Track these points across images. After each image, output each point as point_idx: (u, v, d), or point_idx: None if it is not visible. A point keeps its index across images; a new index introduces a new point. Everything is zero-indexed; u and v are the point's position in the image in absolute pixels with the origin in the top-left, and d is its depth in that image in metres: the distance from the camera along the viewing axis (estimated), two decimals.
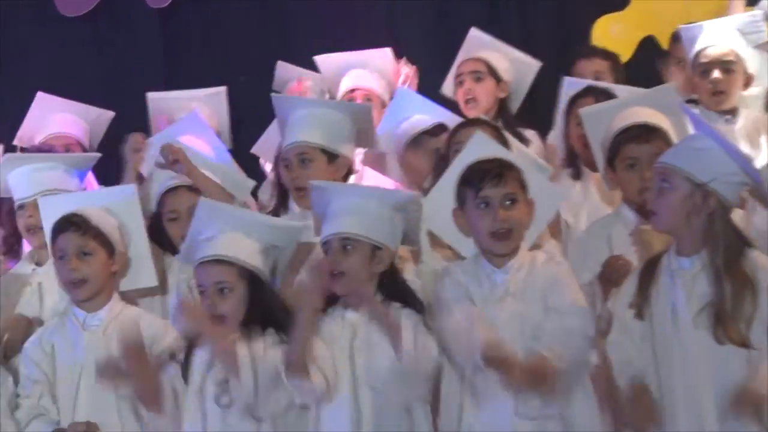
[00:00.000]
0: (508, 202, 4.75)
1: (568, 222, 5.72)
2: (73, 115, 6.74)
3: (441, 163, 5.51)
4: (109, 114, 6.82)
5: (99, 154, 5.87)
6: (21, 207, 5.56)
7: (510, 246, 4.76)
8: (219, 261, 4.79)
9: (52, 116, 6.72)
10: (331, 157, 5.42)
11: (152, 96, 6.88)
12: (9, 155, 5.75)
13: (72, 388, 4.99)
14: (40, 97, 6.75)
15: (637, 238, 4.99)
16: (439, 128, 6.02)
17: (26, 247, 5.87)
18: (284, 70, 7.03)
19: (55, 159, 5.72)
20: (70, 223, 5.04)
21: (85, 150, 6.61)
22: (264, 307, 4.80)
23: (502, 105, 6.57)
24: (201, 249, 4.84)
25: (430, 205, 4.98)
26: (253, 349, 4.70)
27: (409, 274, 5.05)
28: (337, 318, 4.80)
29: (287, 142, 5.46)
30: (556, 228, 5.49)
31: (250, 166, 6.45)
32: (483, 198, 4.75)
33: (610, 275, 4.97)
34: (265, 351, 4.70)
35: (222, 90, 6.88)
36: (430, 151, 5.98)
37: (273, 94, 5.72)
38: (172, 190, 5.55)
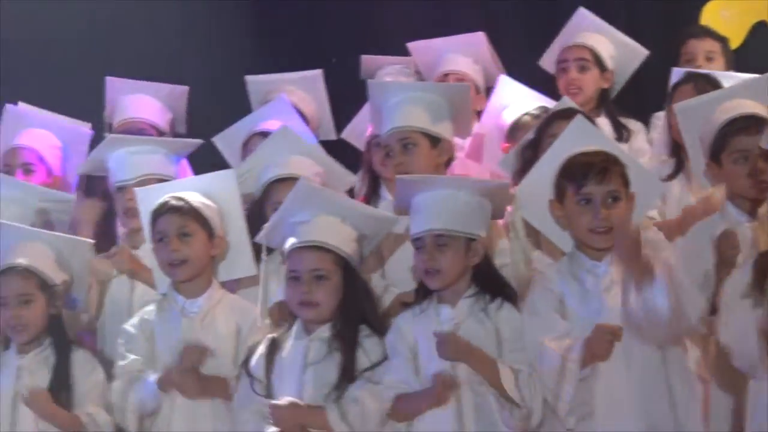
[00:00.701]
0: (610, 200, 4.64)
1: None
2: (144, 96, 6.68)
3: (528, 150, 5.42)
4: (183, 88, 6.77)
5: (200, 141, 5.83)
6: (120, 189, 5.55)
7: (609, 242, 4.63)
8: (317, 247, 4.73)
9: (124, 99, 6.67)
10: (434, 141, 5.34)
11: (250, 79, 6.81)
12: (111, 136, 5.73)
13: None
14: (110, 81, 6.72)
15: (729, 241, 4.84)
16: (542, 111, 5.88)
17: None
18: (370, 61, 6.92)
19: (156, 143, 5.73)
20: (170, 206, 5.03)
21: (160, 132, 6.58)
22: (357, 298, 4.76)
23: (603, 94, 6.43)
24: (295, 233, 4.78)
25: (524, 194, 4.88)
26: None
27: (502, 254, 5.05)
28: (431, 314, 4.71)
29: (387, 128, 5.38)
30: None
31: None
32: (584, 195, 4.64)
33: (724, 251, 4.83)
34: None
35: (317, 73, 6.81)
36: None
37: (369, 80, 5.60)
38: (281, 181, 5.40)
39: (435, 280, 4.67)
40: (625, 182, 4.67)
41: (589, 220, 4.62)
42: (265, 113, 6.19)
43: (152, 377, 4.91)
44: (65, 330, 5.10)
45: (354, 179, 5.71)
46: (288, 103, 6.18)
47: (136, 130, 6.45)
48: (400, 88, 5.52)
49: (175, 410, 4.92)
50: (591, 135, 4.85)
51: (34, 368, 5.00)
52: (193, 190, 5.12)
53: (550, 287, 4.68)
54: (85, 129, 6.41)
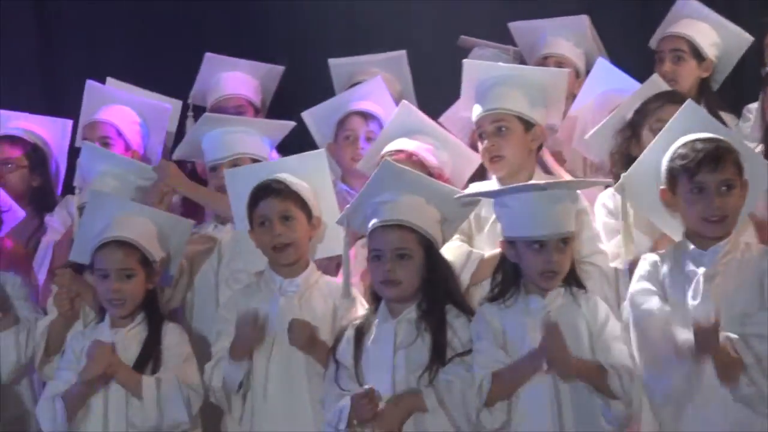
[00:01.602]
0: (724, 188, 4.55)
1: None
2: (242, 74, 6.66)
3: (627, 131, 5.32)
4: (278, 69, 6.73)
5: (293, 123, 5.80)
6: (213, 169, 5.54)
7: (722, 231, 4.58)
8: (400, 226, 4.71)
9: (222, 76, 6.64)
10: (528, 125, 5.25)
11: (333, 62, 6.77)
12: (206, 115, 5.71)
13: (266, 351, 4.95)
14: (208, 57, 6.69)
15: None
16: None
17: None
18: (468, 43, 6.84)
19: (249, 123, 5.72)
20: (271, 189, 5.01)
21: (256, 109, 6.56)
22: (441, 278, 4.73)
23: (702, 84, 6.29)
24: (378, 212, 4.76)
25: (632, 181, 4.77)
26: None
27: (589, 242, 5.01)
28: (520, 305, 4.65)
29: (481, 109, 5.29)
30: None
31: None
32: (698, 183, 4.55)
33: None
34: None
35: (402, 54, 6.74)
36: None
37: (465, 60, 5.52)
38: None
39: (553, 281, 4.62)
40: (739, 170, 4.57)
41: (702, 208, 4.54)
42: (359, 93, 6.13)
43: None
44: (159, 306, 5.10)
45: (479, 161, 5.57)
46: (382, 83, 6.12)
47: (234, 106, 6.45)
48: (497, 69, 5.43)
49: (269, 381, 4.92)
50: (704, 121, 4.74)
51: (128, 344, 4.99)
52: (284, 171, 5.09)
53: (654, 274, 4.63)
54: (165, 105, 6.39)
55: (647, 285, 4.62)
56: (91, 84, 6.29)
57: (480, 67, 5.46)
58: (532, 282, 4.63)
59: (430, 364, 4.62)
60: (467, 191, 5.03)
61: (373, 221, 4.75)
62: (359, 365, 4.73)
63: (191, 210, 5.83)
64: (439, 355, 4.63)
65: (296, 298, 4.96)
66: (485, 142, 5.24)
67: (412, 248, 4.69)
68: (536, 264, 4.59)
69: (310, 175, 5.10)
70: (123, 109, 6.25)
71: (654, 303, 4.57)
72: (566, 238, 4.61)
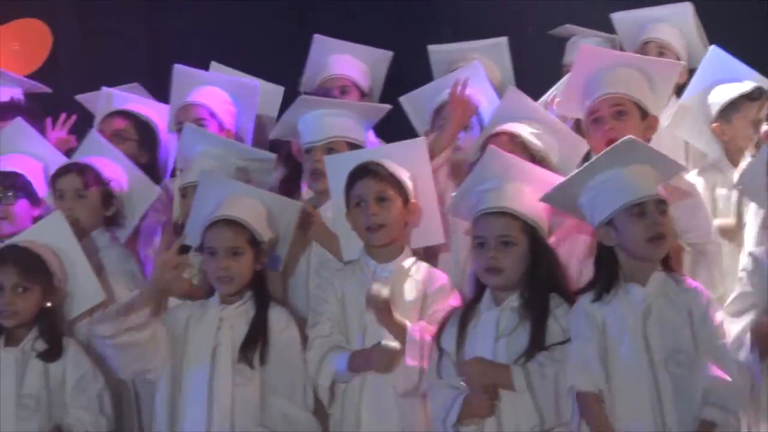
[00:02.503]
0: None
1: None
2: (350, 56, 6.67)
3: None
4: (387, 54, 6.72)
5: (388, 106, 5.78)
6: (309, 151, 5.52)
7: None
8: (504, 213, 4.71)
9: (329, 58, 6.66)
10: (643, 114, 5.24)
11: (433, 48, 6.75)
12: (302, 97, 5.70)
13: (359, 336, 4.98)
14: (317, 39, 6.72)
15: None
16: (758, 92, 5.73)
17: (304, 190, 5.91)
18: (567, 30, 6.83)
19: (346, 106, 5.68)
20: (368, 170, 5.04)
21: (362, 92, 6.57)
22: (545, 266, 4.71)
23: None
24: (483, 199, 4.76)
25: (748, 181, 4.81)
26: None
27: None
28: (620, 295, 4.60)
29: (599, 92, 5.28)
30: None
31: None
32: None
33: None
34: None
35: (503, 41, 6.71)
36: (749, 116, 5.69)
37: (583, 43, 5.51)
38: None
39: (661, 247, 4.56)
40: None
41: None
42: (454, 79, 6.02)
43: (345, 356, 4.94)
44: (266, 286, 5.12)
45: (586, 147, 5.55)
46: (482, 70, 6.09)
47: (339, 86, 6.47)
48: (618, 55, 5.44)
49: (365, 388, 4.94)
50: None
51: (234, 321, 5.03)
52: (384, 158, 5.10)
53: None
54: (253, 82, 6.39)
55: None
56: (178, 68, 6.31)
57: (599, 53, 5.46)
58: (638, 257, 4.57)
59: (529, 351, 4.61)
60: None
61: (478, 208, 4.76)
62: (461, 352, 4.73)
63: (288, 194, 5.83)
64: (538, 343, 4.62)
65: (389, 283, 4.94)
66: (604, 125, 5.23)
67: (516, 236, 4.68)
68: (641, 232, 4.55)
69: (409, 162, 5.11)
70: (213, 89, 6.27)
71: None
72: (662, 204, 4.56)
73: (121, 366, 5.06)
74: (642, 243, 4.56)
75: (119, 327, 4.91)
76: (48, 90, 6.79)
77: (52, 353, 5.03)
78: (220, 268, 5.00)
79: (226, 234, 5.01)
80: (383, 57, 6.73)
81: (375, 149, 5.37)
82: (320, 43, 6.71)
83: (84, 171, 5.56)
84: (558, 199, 4.71)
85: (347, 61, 6.65)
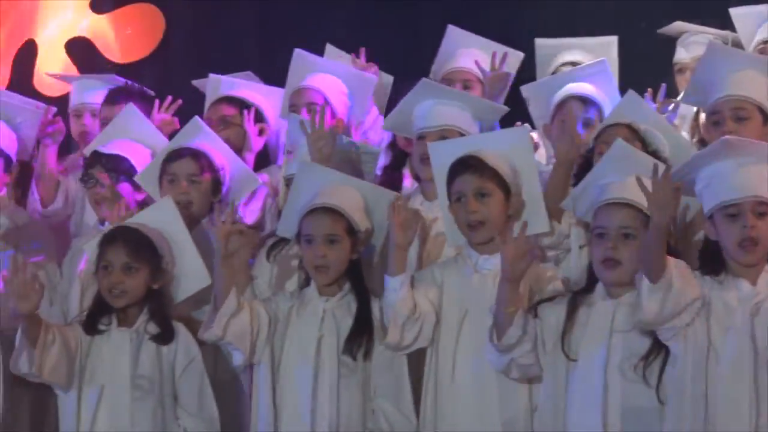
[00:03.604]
0: None
1: None
2: (478, 51, 6.59)
3: None
4: (519, 54, 6.62)
5: (507, 108, 5.75)
6: (421, 138, 5.51)
7: None
8: (626, 205, 4.66)
9: (458, 50, 6.62)
10: (765, 119, 5.18)
11: (540, 42, 6.71)
12: (423, 81, 5.66)
13: (455, 326, 4.95)
14: (450, 30, 6.69)
15: None
16: None
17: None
18: (677, 28, 6.72)
19: (464, 98, 5.63)
20: (467, 165, 4.99)
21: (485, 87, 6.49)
22: None
23: None
24: (604, 192, 4.72)
25: None
26: None
27: None
28: (729, 286, 4.54)
29: (721, 93, 5.22)
30: None
31: None
32: None
33: None
34: None
35: (612, 39, 6.62)
36: None
37: (710, 42, 5.45)
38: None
39: (752, 254, 4.49)
40: None
41: None
42: (581, 75, 6.06)
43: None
44: (363, 277, 5.13)
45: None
46: (608, 67, 6.06)
47: (462, 80, 6.43)
48: (744, 57, 5.36)
49: (458, 359, 4.93)
50: None
51: (338, 312, 5.05)
52: (487, 146, 5.06)
53: None
54: (370, 76, 6.41)
55: None
56: (298, 52, 6.34)
57: (727, 52, 5.40)
58: (732, 260, 4.51)
59: (648, 354, 4.59)
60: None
61: (600, 199, 4.73)
62: (568, 337, 4.71)
63: (389, 182, 5.88)
64: (659, 346, 4.58)
65: (491, 276, 4.91)
66: (723, 127, 5.16)
67: (637, 228, 4.63)
68: (732, 234, 4.48)
69: (512, 152, 5.05)
70: (330, 77, 6.29)
71: None
72: (762, 207, 4.48)
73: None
74: (732, 246, 4.50)
75: (220, 322, 4.94)
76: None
77: (164, 336, 5.12)
78: (317, 256, 5.01)
79: (324, 221, 5.02)
80: (514, 57, 6.60)
81: (478, 136, 5.34)
82: (452, 33, 6.69)
83: (198, 156, 5.62)
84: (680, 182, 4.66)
85: (474, 55, 6.55)
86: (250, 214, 5.93)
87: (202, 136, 5.71)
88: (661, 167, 4.54)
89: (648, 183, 4.54)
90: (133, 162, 5.77)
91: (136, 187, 5.73)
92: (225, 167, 5.69)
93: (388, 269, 4.91)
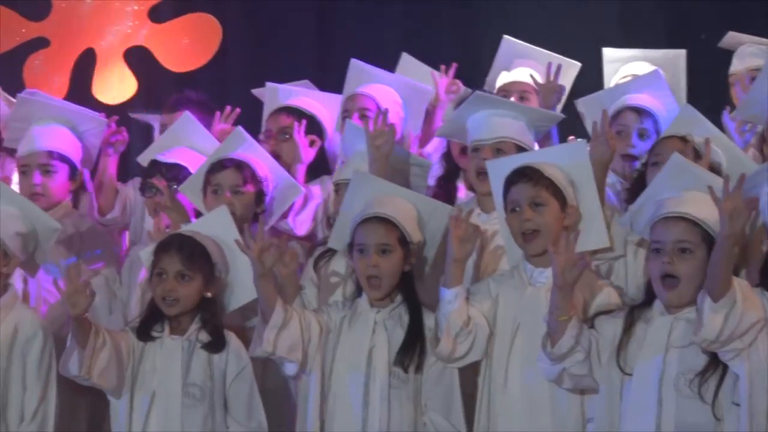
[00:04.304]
0: None
1: None
2: (534, 62, 6.61)
3: None
4: (575, 64, 6.61)
5: (562, 115, 5.75)
6: (475, 150, 5.48)
7: None
8: (683, 219, 4.62)
9: (513, 62, 6.64)
10: None
11: (607, 52, 6.66)
12: (477, 93, 5.66)
13: (508, 339, 4.94)
14: (506, 40, 6.68)
15: None
16: None
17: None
18: (733, 39, 6.66)
19: (518, 109, 5.62)
20: (522, 175, 4.97)
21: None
22: None
23: None
24: (663, 205, 4.69)
25: None
26: None
27: None
28: None
29: None
30: None
31: None
32: None
33: None
34: None
35: (681, 53, 6.62)
36: None
37: None
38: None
39: None
40: None
41: None
42: (636, 86, 6.05)
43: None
44: (415, 289, 5.10)
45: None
46: (662, 78, 6.03)
47: (518, 92, 6.44)
48: None
49: (510, 370, 4.92)
50: None
51: (389, 324, 5.04)
52: (543, 161, 5.04)
53: None
54: (427, 88, 6.43)
55: None
56: (355, 63, 6.39)
57: None
58: None
59: (705, 370, 4.55)
60: None
61: (657, 214, 4.69)
62: (624, 350, 4.68)
63: (444, 193, 5.89)
64: (716, 363, 4.54)
65: (544, 289, 4.87)
66: None
67: (695, 243, 4.58)
68: None
69: (570, 167, 5.03)
70: (386, 88, 6.33)
71: None
72: None
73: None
74: None
75: (270, 337, 4.93)
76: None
77: (216, 345, 5.13)
78: (369, 266, 4.99)
79: (378, 231, 5.01)
80: (572, 68, 6.62)
81: (535, 152, 5.32)
82: (507, 44, 6.69)
83: (241, 167, 5.63)
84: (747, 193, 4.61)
85: (530, 67, 6.57)
86: (301, 225, 5.96)
87: (246, 147, 5.72)
88: (718, 182, 4.51)
89: (705, 197, 4.53)
90: (191, 170, 5.80)
91: None
92: (268, 177, 5.71)
93: (445, 281, 4.88)
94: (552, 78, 6.19)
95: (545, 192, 4.92)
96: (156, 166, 5.85)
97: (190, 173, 5.79)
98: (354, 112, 6.16)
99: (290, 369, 5.03)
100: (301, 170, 6.14)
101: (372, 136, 5.46)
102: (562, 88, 6.19)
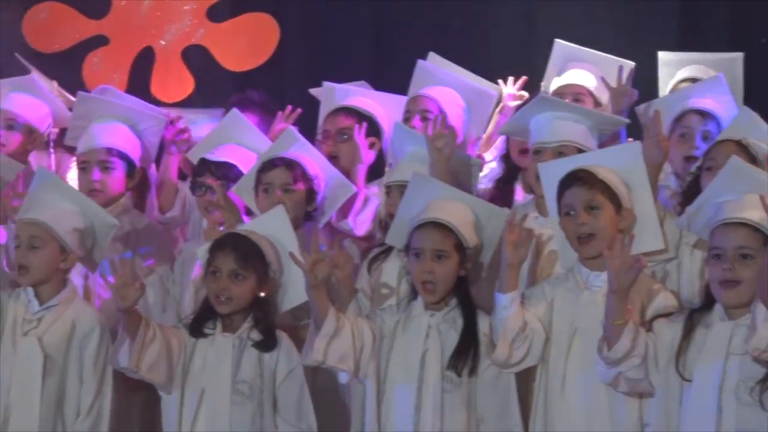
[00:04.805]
0: None
1: None
2: (588, 65, 6.55)
3: None
4: (630, 64, 6.50)
5: (626, 120, 5.72)
6: (537, 152, 5.45)
7: None
8: (743, 224, 4.57)
9: (567, 64, 6.59)
10: None
11: (663, 55, 6.62)
12: (539, 96, 5.65)
13: (564, 343, 4.92)
14: (558, 44, 6.66)
15: None
16: None
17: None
18: None
19: (582, 112, 5.57)
20: (576, 178, 4.95)
21: (596, 103, 6.43)
22: None
23: None
24: (722, 210, 4.66)
25: None
26: None
27: None
28: None
29: None
30: None
31: None
32: None
33: None
34: None
35: (737, 56, 6.53)
36: None
37: None
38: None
39: None
40: None
41: None
42: (699, 90, 6.00)
43: None
44: (470, 293, 5.09)
45: None
46: (724, 82, 5.96)
47: (572, 94, 6.38)
48: None
49: (567, 375, 4.90)
50: None
51: (443, 328, 5.03)
52: (598, 162, 5.01)
53: None
54: (491, 92, 6.42)
55: None
56: (421, 63, 6.40)
57: None
58: None
59: (765, 379, 4.50)
60: None
61: (716, 219, 4.65)
62: (684, 355, 4.65)
63: (501, 194, 5.87)
64: None
65: (601, 294, 4.83)
66: None
67: (755, 249, 4.54)
68: None
69: (624, 168, 5.00)
70: (449, 91, 6.31)
71: None
72: None
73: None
74: None
75: (320, 346, 4.94)
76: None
77: (267, 343, 5.13)
78: (424, 271, 4.98)
79: (434, 236, 5.00)
80: (628, 70, 6.44)
81: (588, 154, 5.26)
82: (560, 47, 6.66)
83: (292, 166, 5.64)
84: None
85: (585, 71, 6.52)
86: (361, 225, 5.96)
87: (298, 146, 5.73)
88: None
89: (758, 200, 4.49)
90: (240, 168, 5.82)
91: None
92: (319, 176, 5.71)
93: (500, 286, 4.88)
94: (624, 81, 6.13)
95: (600, 195, 4.90)
96: (205, 164, 5.87)
97: (239, 171, 5.81)
98: (416, 114, 6.15)
99: (342, 377, 5.04)
100: (361, 171, 6.14)
101: (432, 139, 5.45)
102: (633, 92, 6.12)
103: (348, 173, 5.97)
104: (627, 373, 4.67)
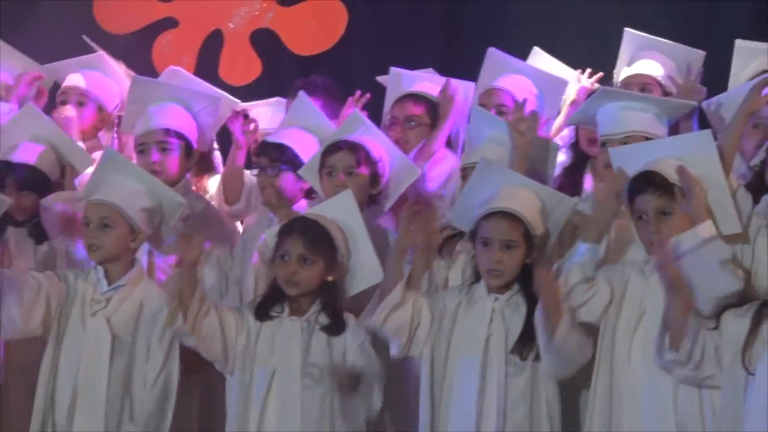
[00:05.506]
0: None
1: None
2: (657, 53, 6.49)
3: None
4: (700, 53, 6.48)
5: (693, 103, 5.66)
6: (605, 144, 5.44)
7: None
8: None
9: (636, 53, 6.55)
10: None
11: (740, 44, 6.51)
12: (603, 88, 5.64)
13: (631, 326, 4.94)
14: (628, 34, 6.62)
15: None
16: None
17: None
18: None
19: (647, 100, 5.55)
20: (650, 182, 4.93)
21: (665, 92, 6.36)
22: None
23: None
24: None
25: None
26: None
27: None
28: None
29: None
30: None
31: None
32: None
33: None
34: None
35: None
36: None
37: None
38: None
39: None
40: None
41: None
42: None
43: None
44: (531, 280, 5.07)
45: None
46: None
47: (639, 84, 6.34)
48: None
49: (632, 359, 4.90)
50: None
51: (506, 312, 5.04)
52: (668, 151, 4.98)
53: None
54: (563, 79, 6.42)
55: None
56: (492, 51, 6.39)
57: None
58: None
59: None
60: None
61: None
62: (750, 350, 4.62)
63: (569, 182, 5.84)
64: None
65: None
66: None
67: None
68: None
69: (695, 157, 4.97)
70: (522, 79, 6.32)
71: None
72: None
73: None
74: None
75: (382, 312, 4.98)
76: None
77: (335, 327, 5.15)
78: (492, 260, 5.00)
79: (503, 226, 5.01)
80: (697, 57, 6.47)
81: (660, 141, 5.24)
82: (630, 36, 6.61)
83: (355, 149, 5.65)
84: None
85: (653, 60, 6.47)
86: (434, 179, 6.04)
87: (363, 129, 5.74)
88: None
89: None
90: (296, 151, 5.84)
91: (299, 177, 5.80)
92: (384, 159, 5.72)
93: (585, 236, 5.00)
94: (693, 78, 6.07)
95: (674, 202, 4.88)
96: (264, 146, 5.91)
97: (293, 153, 5.83)
98: (491, 108, 6.15)
99: (393, 350, 5.07)
100: (445, 129, 6.18)
101: (513, 123, 5.45)
102: (702, 89, 6.07)
103: (415, 159, 5.97)
104: (679, 377, 4.73)
